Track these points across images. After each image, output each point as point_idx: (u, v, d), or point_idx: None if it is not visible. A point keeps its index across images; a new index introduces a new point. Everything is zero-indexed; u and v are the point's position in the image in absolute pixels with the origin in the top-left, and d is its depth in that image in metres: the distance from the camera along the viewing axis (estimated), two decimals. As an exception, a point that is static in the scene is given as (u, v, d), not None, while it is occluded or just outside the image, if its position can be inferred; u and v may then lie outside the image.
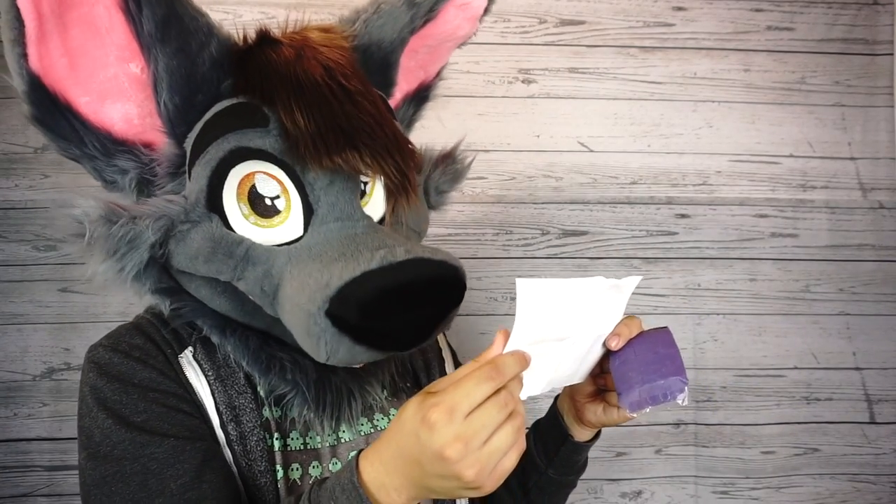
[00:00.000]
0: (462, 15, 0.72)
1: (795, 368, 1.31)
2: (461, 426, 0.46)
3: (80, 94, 0.56)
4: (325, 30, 0.64)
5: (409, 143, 0.63)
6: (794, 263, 1.31)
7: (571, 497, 0.79)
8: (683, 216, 1.29)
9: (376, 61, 0.67)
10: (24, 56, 0.52)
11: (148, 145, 0.60)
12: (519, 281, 0.49)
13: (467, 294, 0.58)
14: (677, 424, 1.30)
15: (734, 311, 1.30)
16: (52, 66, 0.54)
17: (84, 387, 0.59)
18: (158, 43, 0.54)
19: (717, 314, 1.30)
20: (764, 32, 1.29)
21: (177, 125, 0.58)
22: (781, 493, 1.31)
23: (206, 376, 0.61)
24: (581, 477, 0.77)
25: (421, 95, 0.80)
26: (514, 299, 1.24)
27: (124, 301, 1.18)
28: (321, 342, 0.53)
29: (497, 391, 0.48)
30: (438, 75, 0.81)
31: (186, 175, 0.59)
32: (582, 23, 1.27)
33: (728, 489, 1.30)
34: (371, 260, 0.52)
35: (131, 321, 0.65)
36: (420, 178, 0.70)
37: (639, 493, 1.29)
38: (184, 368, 0.61)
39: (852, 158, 1.31)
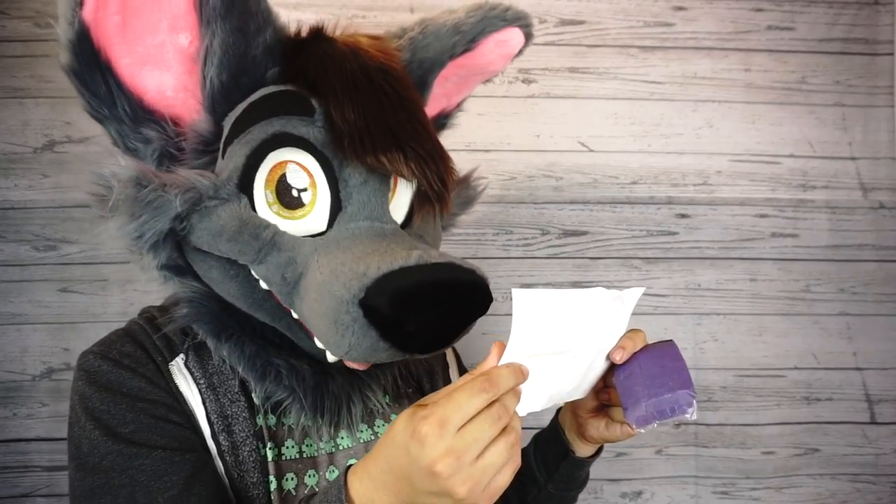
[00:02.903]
0: (498, 51, 0.73)
1: (796, 368, 1.31)
2: (453, 440, 0.44)
3: (123, 55, 0.56)
4: (375, 38, 0.65)
5: (449, 157, 0.63)
6: (795, 263, 1.31)
7: (571, 497, 0.79)
8: (683, 216, 1.29)
9: (414, 79, 0.67)
10: (80, 4, 0.52)
11: (175, 121, 0.60)
12: (515, 291, 0.48)
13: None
14: (677, 424, 1.29)
15: (734, 311, 1.30)
16: (104, 21, 0.54)
17: (74, 395, 0.59)
18: (220, 18, 0.55)
19: (718, 314, 1.30)
20: (764, 32, 1.29)
21: (218, 103, 0.58)
22: (782, 493, 1.30)
23: (197, 385, 0.60)
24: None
25: (439, 123, 0.81)
26: (514, 299, 1.24)
27: (124, 301, 1.18)
28: (348, 332, 0.52)
29: (491, 404, 0.46)
30: (459, 106, 0.83)
31: (220, 153, 0.59)
32: (582, 23, 1.27)
33: (728, 489, 1.30)
34: (408, 258, 0.52)
35: (124, 327, 0.64)
36: None
37: (639, 493, 1.29)
38: (174, 377, 0.60)
39: (853, 158, 1.31)
